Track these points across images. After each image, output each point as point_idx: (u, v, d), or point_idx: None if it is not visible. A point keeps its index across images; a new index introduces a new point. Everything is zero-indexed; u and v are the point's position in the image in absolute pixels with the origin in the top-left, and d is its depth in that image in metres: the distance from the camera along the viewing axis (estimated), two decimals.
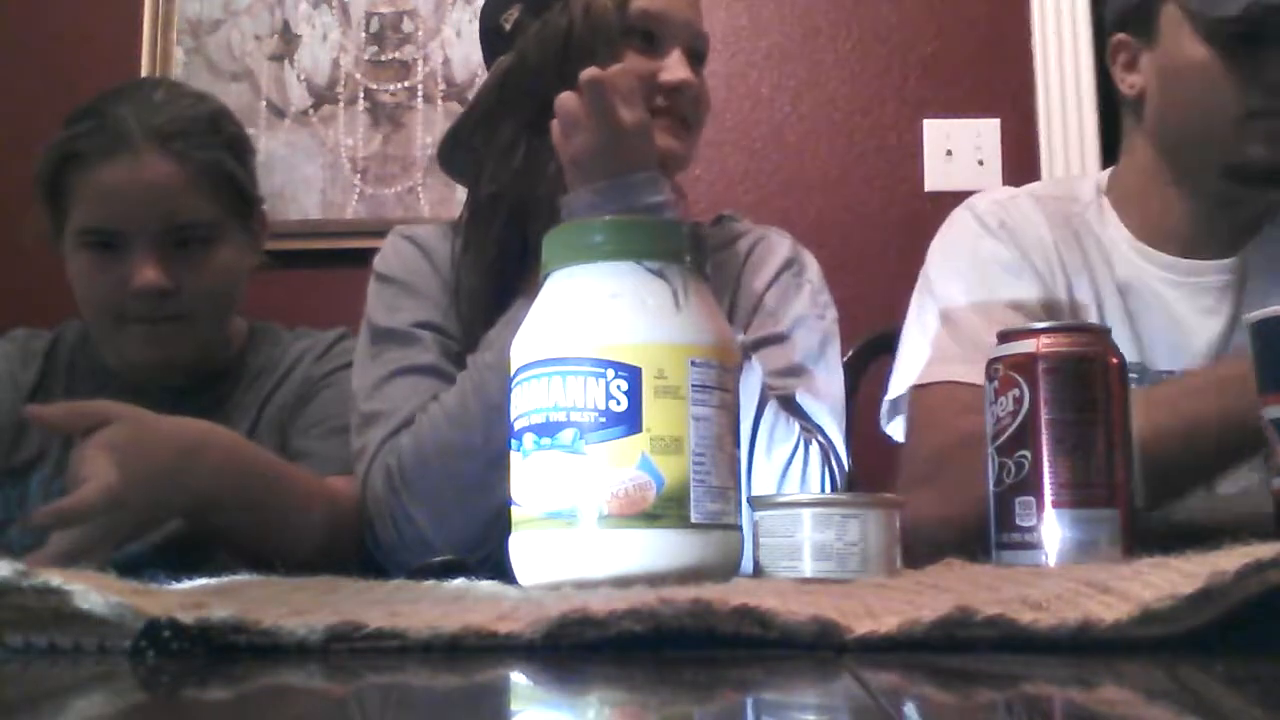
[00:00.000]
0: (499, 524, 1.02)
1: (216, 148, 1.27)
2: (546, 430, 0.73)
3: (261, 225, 1.37)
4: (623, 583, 0.69)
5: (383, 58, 2.27)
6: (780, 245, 1.28)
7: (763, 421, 1.04)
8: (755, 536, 0.81)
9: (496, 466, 1.02)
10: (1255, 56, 1.14)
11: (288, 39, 2.29)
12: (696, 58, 1.21)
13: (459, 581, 0.77)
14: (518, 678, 0.48)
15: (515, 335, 1.04)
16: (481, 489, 1.05)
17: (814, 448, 1.07)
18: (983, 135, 2.24)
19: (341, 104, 2.26)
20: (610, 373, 0.72)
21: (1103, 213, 1.26)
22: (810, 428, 1.11)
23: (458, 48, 2.26)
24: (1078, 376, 0.80)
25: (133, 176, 1.22)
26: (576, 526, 0.72)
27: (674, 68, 1.17)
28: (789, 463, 1.05)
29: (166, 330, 1.27)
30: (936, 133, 2.23)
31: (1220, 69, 1.16)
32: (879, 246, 2.17)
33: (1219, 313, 1.20)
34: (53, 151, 1.25)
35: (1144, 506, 0.85)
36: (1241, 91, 1.15)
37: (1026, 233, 1.23)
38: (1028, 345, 0.81)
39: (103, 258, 1.24)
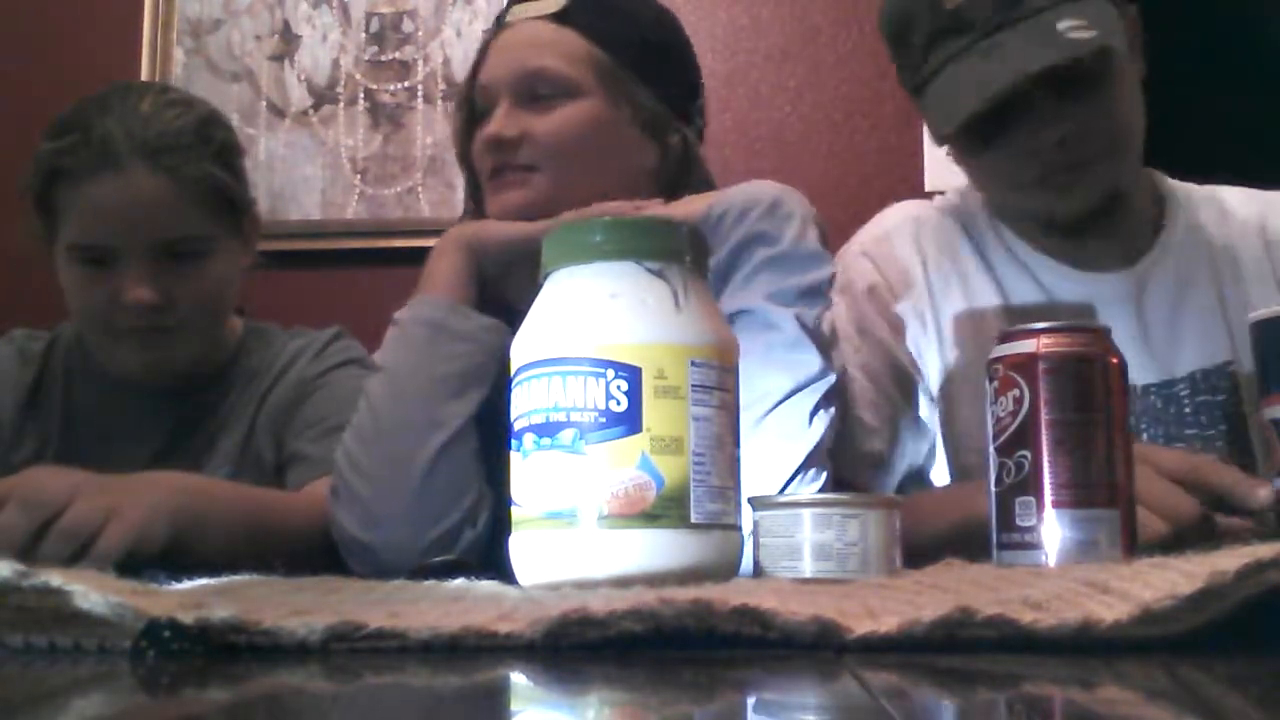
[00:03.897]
0: (432, 496, 1.02)
1: (206, 160, 1.25)
2: (546, 430, 0.73)
3: (253, 227, 1.36)
4: (623, 583, 0.69)
5: (383, 58, 2.27)
6: None
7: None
8: (755, 536, 0.81)
9: (397, 438, 1.04)
10: (1004, 138, 1.16)
11: (288, 39, 2.28)
12: (535, 98, 1.15)
13: (459, 581, 0.77)
14: (518, 678, 0.48)
15: (397, 339, 1.09)
16: (391, 463, 1.04)
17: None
18: None
19: (341, 104, 2.26)
20: (610, 373, 0.72)
21: (997, 227, 1.28)
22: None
23: (458, 48, 2.26)
24: (1078, 376, 0.80)
25: (122, 194, 1.20)
26: (576, 526, 0.72)
27: (491, 124, 1.15)
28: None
29: (159, 340, 1.26)
30: None
31: (982, 162, 1.21)
32: None
33: (1123, 321, 1.18)
34: (39, 166, 1.24)
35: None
36: (1014, 170, 1.18)
37: (892, 261, 1.27)
38: (1028, 345, 0.81)
39: (94, 272, 1.23)
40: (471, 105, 1.20)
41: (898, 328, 1.24)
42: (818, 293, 1.06)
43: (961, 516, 1.01)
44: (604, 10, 1.19)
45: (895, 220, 1.31)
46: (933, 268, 1.26)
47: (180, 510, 1.01)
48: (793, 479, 0.99)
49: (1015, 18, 1.12)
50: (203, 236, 1.25)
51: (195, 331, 1.29)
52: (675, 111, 1.20)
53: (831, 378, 1.04)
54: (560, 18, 1.17)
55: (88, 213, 1.22)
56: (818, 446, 1.02)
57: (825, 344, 1.05)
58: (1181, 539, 0.85)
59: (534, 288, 1.12)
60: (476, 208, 1.22)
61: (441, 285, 1.11)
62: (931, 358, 1.24)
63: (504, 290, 1.13)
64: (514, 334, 1.08)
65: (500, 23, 1.22)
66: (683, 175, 1.20)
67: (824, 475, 1.03)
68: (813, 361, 1.02)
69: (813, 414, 1.02)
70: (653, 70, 1.19)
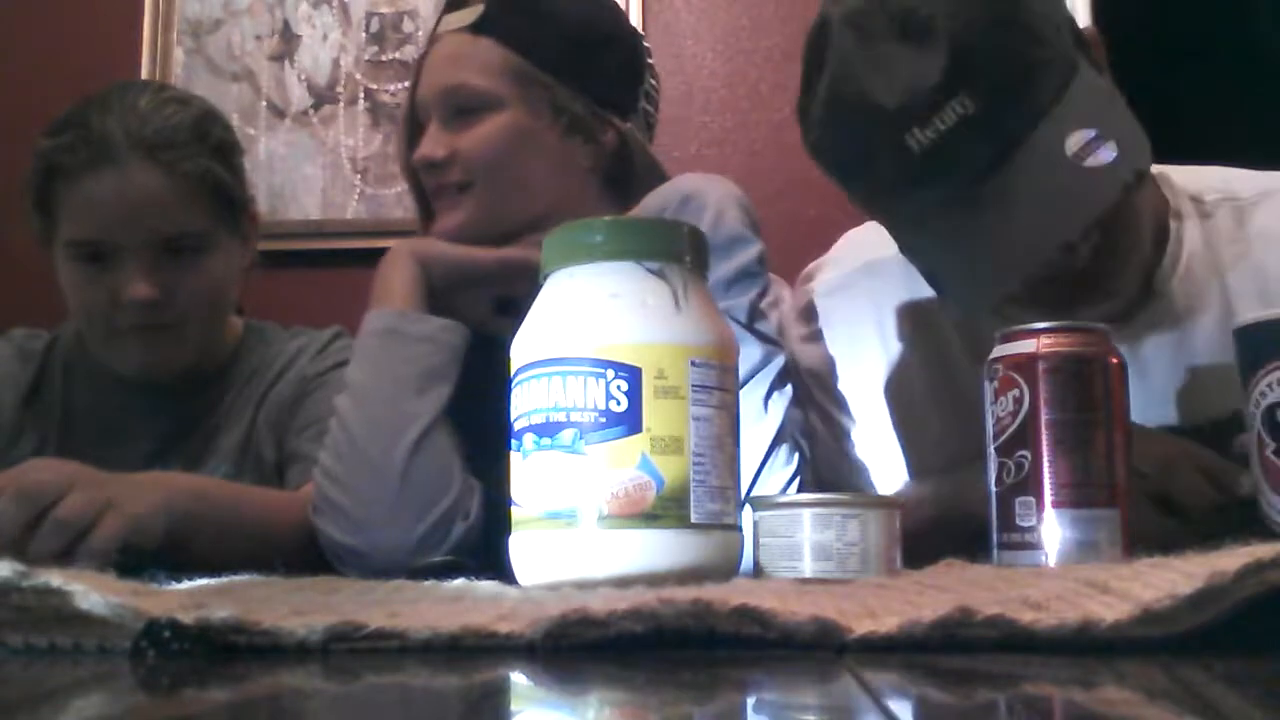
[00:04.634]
0: (412, 493, 1.03)
1: (204, 156, 1.25)
2: (546, 430, 0.73)
3: (252, 224, 1.36)
4: (623, 583, 0.69)
5: (383, 58, 2.27)
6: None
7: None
8: (755, 536, 0.81)
9: (368, 446, 1.04)
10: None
11: (288, 39, 2.28)
12: (461, 113, 1.16)
13: (459, 581, 0.77)
14: (518, 678, 0.48)
15: (357, 355, 1.11)
16: (367, 469, 1.04)
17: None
18: None
19: (341, 104, 2.26)
20: (610, 373, 0.72)
21: None
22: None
23: None
24: (1078, 376, 0.80)
25: (120, 190, 1.21)
26: (576, 526, 0.72)
27: (423, 145, 1.17)
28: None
29: (159, 339, 1.26)
30: None
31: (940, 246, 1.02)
32: None
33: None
34: (38, 163, 1.24)
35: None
36: (1026, 290, 0.99)
37: (842, 319, 1.18)
38: (1028, 345, 0.81)
39: (93, 269, 1.23)
40: (414, 121, 1.21)
41: (838, 411, 1.17)
42: (746, 276, 1.05)
43: (947, 501, 0.99)
44: (520, 15, 1.17)
45: (850, 270, 1.19)
46: (891, 330, 1.16)
47: (176, 509, 1.02)
48: (764, 465, 1.01)
49: (1013, 145, 0.93)
50: (201, 232, 1.26)
51: (195, 329, 1.29)
52: (609, 106, 1.19)
53: (778, 360, 1.05)
54: (477, 28, 1.17)
55: (86, 209, 1.22)
56: (782, 427, 1.03)
57: (764, 328, 1.06)
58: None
59: (480, 311, 1.14)
60: (424, 220, 1.23)
61: (392, 296, 1.12)
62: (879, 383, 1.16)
63: (452, 306, 1.13)
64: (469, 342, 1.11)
65: (432, 37, 1.23)
66: (623, 170, 1.20)
67: (797, 454, 1.04)
68: (753, 353, 1.02)
69: (767, 399, 1.03)
70: (575, 69, 1.18)
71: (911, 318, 1.15)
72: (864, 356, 1.16)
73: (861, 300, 1.17)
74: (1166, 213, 1.11)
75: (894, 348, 1.16)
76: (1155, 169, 1.14)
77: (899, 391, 1.15)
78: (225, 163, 1.29)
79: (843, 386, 1.17)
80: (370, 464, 1.04)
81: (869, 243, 1.19)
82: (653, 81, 1.26)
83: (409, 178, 1.24)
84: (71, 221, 1.23)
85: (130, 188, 1.21)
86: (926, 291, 1.12)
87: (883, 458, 1.15)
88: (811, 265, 1.25)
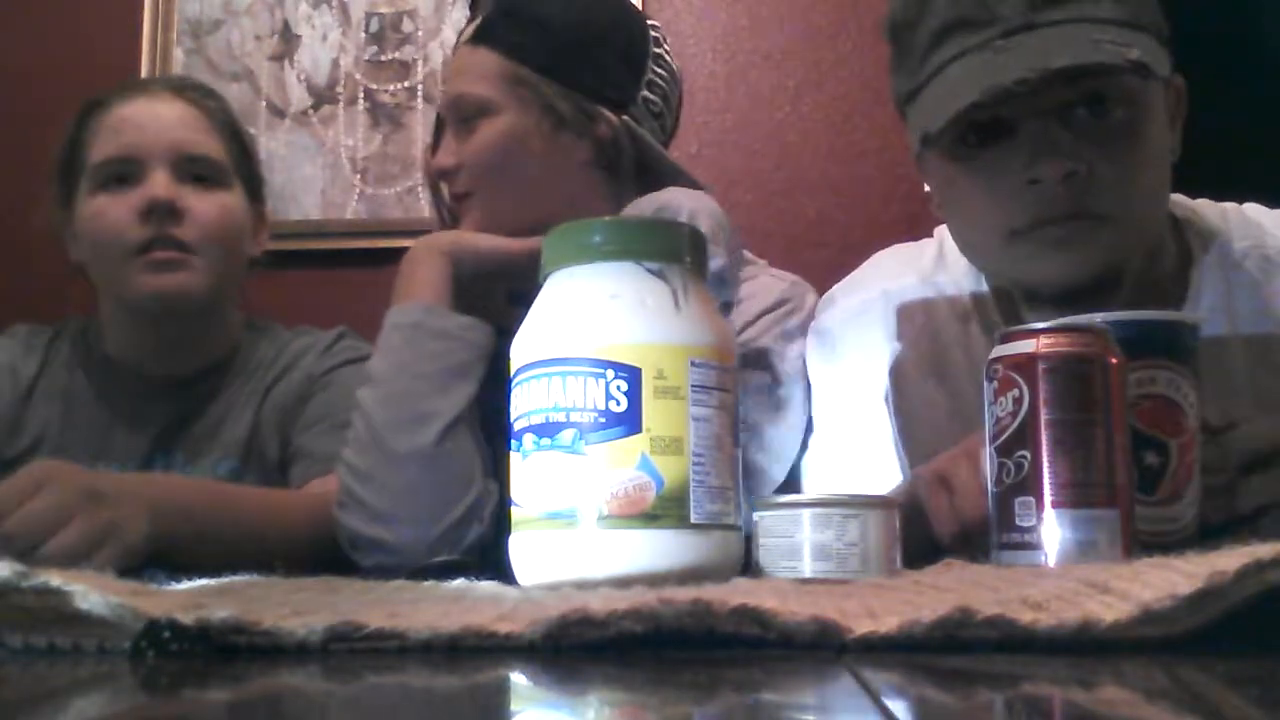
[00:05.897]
0: (432, 490, 1.04)
1: (223, 102, 1.40)
2: (546, 430, 0.73)
3: (262, 221, 1.40)
4: (623, 583, 0.69)
5: (383, 58, 2.27)
6: (772, 288, 1.23)
7: None
8: (755, 536, 0.81)
9: (390, 439, 1.06)
10: (1001, 154, 1.02)
11: (288, 39, 2.28)
12: (465, 121, 1.21)
13: (459, 581, 0.77)
14: (518, 678, 0.48)
15: (380, 349, 1.12)
16: (388, 464, 1.05)
17: None
18: None
19: (341, 104, 2.26)
20: (610, 373, 0.72)
21: (985, 309, 1.15)
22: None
23: None
24: (1078, 376, 0.80)
25: (148, 110, 1.33)
26: (576, 527, 0.72)
27: (436, 157, 1.23)
28: None
29: (173, 265, 1.29)
30: None
31: (973, 197, 1.05)
32: (879, 247, 2.16)
33: None
34: (73, 118, 1.35)
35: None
36: (1007, 208, 1.03)
37: (857, 346, 1.19)
38: (1027, 345, 0.81)
39: (116, 192, 1.30)
40: (439, 134, 1.26)
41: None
42: (714, 287, 1.06)
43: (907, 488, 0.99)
44: (515, 22, 1.21)
45: (868, 298, 1.20)
46: (905, 359, 1.16)
47: (160, 530, 1.02)
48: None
49: (1048, 20, 0.98)
50: (220, 163, 1.34)
51: (207, 262, 1.31)
52: (603, 99, 1.21)
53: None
54: (476, 39, 1.22)
55: (116, 128, 1.32)
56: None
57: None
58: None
59: (507, 305, 1.15)
60: (443, 224, 1.26)
61: (418, 291, 1.13)
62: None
63: (480, 304, 1.14)
64: (495, 340, 1.11)
65: (454, 52, 1.28)
66: (622, 160, 1.22)
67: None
68: None
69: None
70: (566, 66, 1.20)
71: (927, 347, 1.16)
72: (878, 384, 1.17)
73: (876, 329, 1.19)
74: (1190, 267, 1.10)
75: (908, 377, 1.16)
76: (1186, 209, 1.13)
77: (914, 420, 1.15)
78: (237, 119, 1.41)
79: (857, 413, 1.18)
80: (391, 463, 1.05)
81: (889, 270, 1.22)
82: (659, 71, 1.26)
83: (432, 189, 1.28)
84: (101, 144, 1.32)
85: (158, 109, 1.34)
86: (943, 321, 1.15)
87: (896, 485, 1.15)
88: (834, 288, 1.26)
